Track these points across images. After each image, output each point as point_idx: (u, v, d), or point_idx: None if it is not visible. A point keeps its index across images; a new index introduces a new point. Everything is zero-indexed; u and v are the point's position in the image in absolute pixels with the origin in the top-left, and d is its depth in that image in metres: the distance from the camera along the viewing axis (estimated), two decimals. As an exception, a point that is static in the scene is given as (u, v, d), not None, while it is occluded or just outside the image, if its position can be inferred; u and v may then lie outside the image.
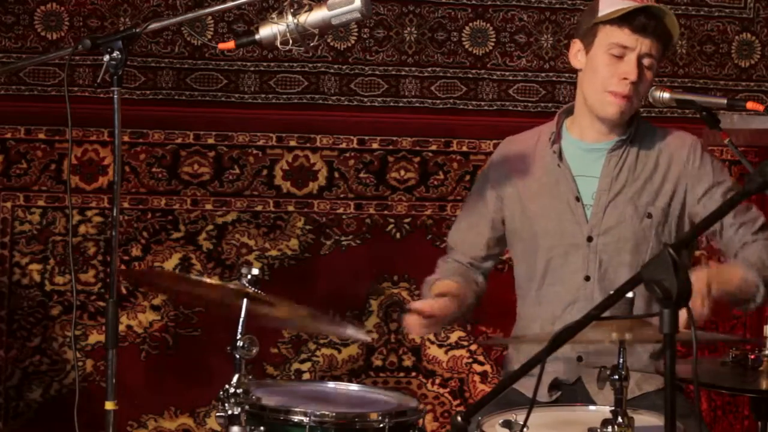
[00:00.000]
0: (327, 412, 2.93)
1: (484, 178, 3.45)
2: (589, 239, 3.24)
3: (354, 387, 3.34)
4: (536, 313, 3.28)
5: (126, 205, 4.21)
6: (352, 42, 4.34)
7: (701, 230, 2.20)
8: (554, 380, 3.22)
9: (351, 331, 3.24)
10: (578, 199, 3.27)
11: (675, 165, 3.28)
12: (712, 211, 2.20)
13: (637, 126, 3.30)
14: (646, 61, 3.20)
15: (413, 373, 4.40)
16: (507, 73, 4.42)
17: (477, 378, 4.43)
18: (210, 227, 4.27)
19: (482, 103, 4.41)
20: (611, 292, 2.22)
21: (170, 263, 4.24)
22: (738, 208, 3.16)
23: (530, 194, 3.33)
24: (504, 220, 3.39)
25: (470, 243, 3.41)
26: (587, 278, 3.24)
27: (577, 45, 3.30)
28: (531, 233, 3.32)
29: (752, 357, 3.07)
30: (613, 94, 3.20)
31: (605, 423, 2.51)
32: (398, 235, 4.37)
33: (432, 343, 4.39)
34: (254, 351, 2.96)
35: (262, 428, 2.91)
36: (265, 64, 4.29)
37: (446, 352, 4.41)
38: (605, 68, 3.21)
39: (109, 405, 2.74)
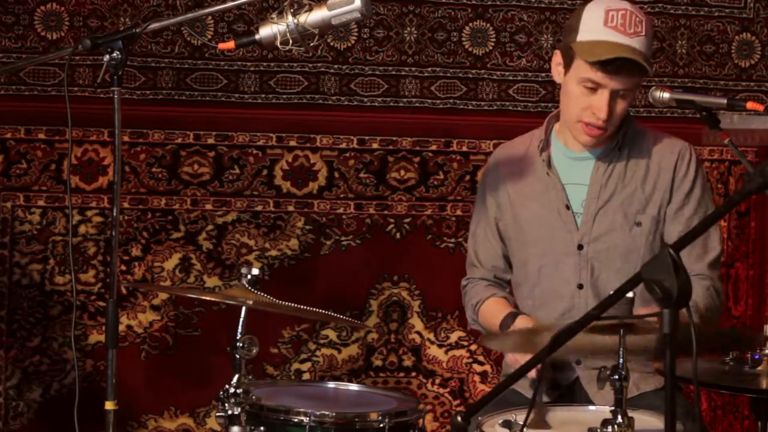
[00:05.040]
0: (327, 412, 2.94)
1: (483, 189, 3.43)
2: (580, 247, 3.23)
3: (354, 387, 3.35)
4: None
5: (126, 205, 4.20)
6: (352, 42, 4.34)
7: (700, 232, 2.19)
8: (551, 381, 3.22)
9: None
10: (568, 207, 3.26)
11: (664, 173, 3.26)
12: (710, 213, 2.20)
13: (626, 131, 3.27)
14: (621, 93, 3.15)
15: (413, 373, 4.39)
16: (507, 73, 4.42)
17: (477, 378, 4.43)
18: (210, 227, 4.27)
19: (482, 103, 4.41)
20: (611, 292, 2.22)
21: (170, 263, 4.24)
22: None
23: (521, 202, 3.32)
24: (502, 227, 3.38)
25: (490, 254, 3.40)
26: (580, 286, 3.23)
27: (557, 58, 3.25)
28: (523, 241, 3.31)
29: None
30: (585, 124, 3.19)
31: (605, 423, 2.51)
32: (398, 235, 4.36)
33: (432, 343, 4.39)
34: (254, 351, 2.97)
35: (262, 428, 2.92)
36: (265, 64, 4.28)
37: (446, 352, 4.40)
38: (578, 99, 3.17)
39: (109, 405, 2.75)
